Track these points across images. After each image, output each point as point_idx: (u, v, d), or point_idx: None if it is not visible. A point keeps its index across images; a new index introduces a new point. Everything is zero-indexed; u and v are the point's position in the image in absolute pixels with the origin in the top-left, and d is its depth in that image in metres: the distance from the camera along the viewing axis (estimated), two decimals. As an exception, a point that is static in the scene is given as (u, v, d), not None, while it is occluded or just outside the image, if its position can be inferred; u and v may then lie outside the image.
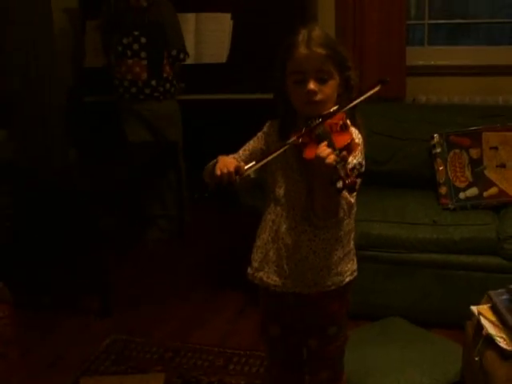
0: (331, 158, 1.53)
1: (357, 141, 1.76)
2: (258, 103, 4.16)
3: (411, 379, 2.41)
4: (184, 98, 4.35)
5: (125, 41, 3.92)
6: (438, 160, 3.12)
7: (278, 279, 1.85)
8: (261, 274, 1.87)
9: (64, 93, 4.61)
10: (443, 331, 2.85)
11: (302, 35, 1.72)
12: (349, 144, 1.62)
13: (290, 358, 2.06)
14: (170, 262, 3.93)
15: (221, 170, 1.66)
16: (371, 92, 1.77)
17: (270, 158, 1.72)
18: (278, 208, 1.83)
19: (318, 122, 1.71)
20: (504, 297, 1.99)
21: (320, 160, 1.55)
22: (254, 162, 1.71)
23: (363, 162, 1.75)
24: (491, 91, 4.08)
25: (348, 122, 1.76)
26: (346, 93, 1.79)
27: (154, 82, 3.97)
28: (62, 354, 2.91)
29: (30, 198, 3.46)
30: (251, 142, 1.92)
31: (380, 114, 3.50)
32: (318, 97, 1.71)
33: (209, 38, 4.49)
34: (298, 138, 1.69)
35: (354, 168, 1.55)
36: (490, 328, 1.93)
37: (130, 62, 3.95)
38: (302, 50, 1.70)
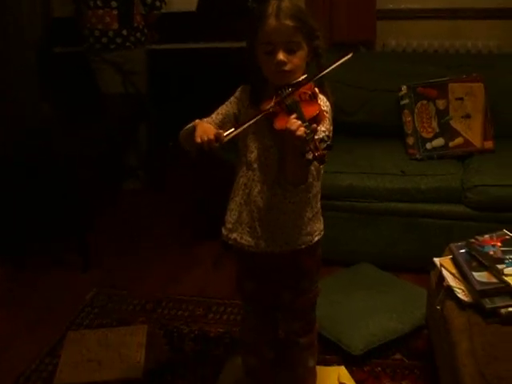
0: (301, 131, 1.60)
1: (325, 108, 1.84)
2: (229, 52, 4.21)
3: (379, 324, 2.54)
4: (157, 47, 4.36)
5: None
6: (406, 111, 3.21)
7: (251, 240, 1.95)
8: (234, 234, 1.97)
9: (33, 44, 4.56)
10: (411, 276, 2.99)
11: (272, 6, 1.76)
12: (317, 115, 1.70)
13: (265, 311, 2.18)
14: (147, 214, 4.02)
15: (201, 138, 1.72)
16: (340, 62, 1.85)
17: (246, 125, 1.78)
18: (250, 172, 1.91)
19: (287, 91, 1.78)
20: (463, 250, 2.10)
21: (290, 132, 1.62)
22: (232, 129, 1.76)
23: (331, 132, 1.84)
24: (460, 35, 4.14)
25: (316, 90, 1.83)
26: (315, 60, 1.86)
27: (124, 32, 3.98)
28: (48, 310, 2.99)
29: (7, 159, 3.46)
30: (224, 106, 1.98)
31: (349, 63, 3.53)
32: (287, 67, 1.77)
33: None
34: (269, 108, 1.76)
35: (322, 140, 1.62)
36: (451, 280, 2.06)
37: (101, 11, 3.94)
38: (272, 21, 1.75)
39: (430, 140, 3.13)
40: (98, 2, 3.91)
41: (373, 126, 3.41)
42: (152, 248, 3.57)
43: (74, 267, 3.36)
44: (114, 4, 3.92)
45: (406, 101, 3.20)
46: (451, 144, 3.13)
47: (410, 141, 3.15)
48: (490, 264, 1.96)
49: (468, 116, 3.13)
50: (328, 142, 1.61)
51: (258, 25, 1.78)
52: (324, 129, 1.79)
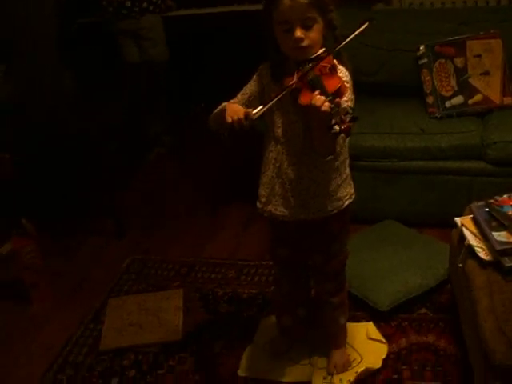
0: (326, 106, 1.68)
1: (345, 79, 1.91)
2: (246, 14, 4.24)
3: (404, 280, 2.65)
4: (175, 14, 4.42)
5: None
6: (424, 70, 3.25)
7: (285, 210, 2.05)
8: (269, 207, 2.08)
9: (56, 15, 4.62)
10: (434, 231, 3.09)
11: None
12: (339, 88, 1.78)
13: (297, 274, 2.32)
14: (175, 178, 4.15)
15: (231, 118, 1.81)
16: (357, 32, 1.91)
17: (272, 102, 1.85)
18: (279, 146, 2.00)
19: (308, 67, 1.85)
20: (483, 210, 2.19)
21: (315, 108, 1.70)
22: (261, 107, 1.84)
23: (353, 102, 1.91)
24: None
25: (335, 61, 1.91)
26: (330, 32, 1.92)
27: (128, 3, 4.05)
28: (86, 277, 3.16)
29: (35, 135, 3.58)
30: (248, 85, 2.06)
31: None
32: (305, 42, 1.84)
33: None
34: (292, 84, 1.83)
35: (347, 113, 1.69)
36: (472, 239, 2.15)
37: None
38: (286, 1, 1.81)
39: (450, 98, 3.18)
40: None
41: (393, 86, 3.46)
42: (181, 212, 3.70)
43: (108, 235, 3.50)
44: None
45: (424, 60, 3.24)
46: (470, 101, 3.17)
47: (430, 100, 3.20)
48: (508, 224, 2.05)
49: (487, 73, 3.17)
50: (353, 114, 1.68)
51: (272, 5, 1.84)
52: (346, 99, 1.85)
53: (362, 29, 1.92)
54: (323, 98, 1.71)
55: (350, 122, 1.67)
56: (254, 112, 1.83)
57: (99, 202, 3.65)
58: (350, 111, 1.70)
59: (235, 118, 1.81)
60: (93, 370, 2.51)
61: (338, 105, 1.70)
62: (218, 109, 1.97)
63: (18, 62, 4.01)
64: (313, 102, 1.71)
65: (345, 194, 2.08)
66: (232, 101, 2.02)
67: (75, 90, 4.41)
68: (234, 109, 1.87)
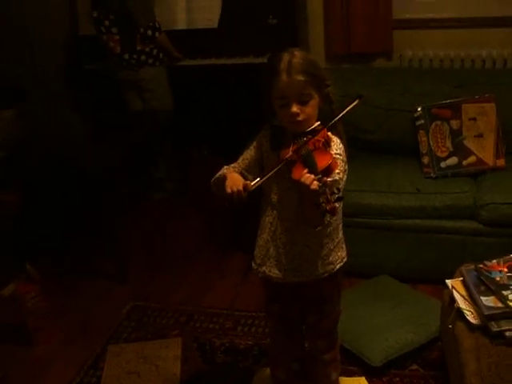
0: (314, 185, 1.78)
1: (338, 152, 2.01)
2: (250, 68, 4.39)
3: (397, 336, 2.73)
4: (182, 64, 4.57)
5: (96, 15, 4.17)
6: (421, 131, 3.38)
7: (278, 272, 2.15)
8: (263, 268, 2.17)
9: (63, 62, 4.78)
10: (427, 286, 3.18)
11: (283, 63, 1.92)
12: (330, 165, 1.88)
13: (291, 330, 2.39)
14: (176, 224, 4.24)
15: (231, 188, 1.91)
16: (349, 108, 2.02)
17: (269, 174, 1.95)
18: (275, 211, 2.10)
19: (303, 141, 1.95)
20: (473, 274, 2.28)
21: (304, 186, 1.80)
22: (258, 179, 1.94)
23: (344, 177, 2.01)
24: (475, 44, 4.28)
25: (329, 134, 2.02)
26: (327, 105, 2.04)
27: (126, 56, 4.23)
28: (88, 320, 3.24)
29: (43, 176, 3.69)
30: (248, 150, 2.16)
31: (367, 80, 3.72)
32: (301, 117, 1.95)
33: (200, 3, 4.66)
34: (288, 157, 1.93)
35: (333, 192, 1.78)
36: (461, 302, 2.24)
37: (105, 37, 4.22)
38: (284, 77, 1.92)
39: (445, 159, 3.29)
40: (102, 29, 4.20)
41: (390, 144, 3.58)
42: (183, 258, 3.79)
43: (110, 278, 3.59)
44: (114, 30, 4.19)
45: (421, 121, 3.37)
46: (465, 162, 3.29)
47: (425, 160, 3.32)
48: (496, 289, 2.14)
49: (481, 135, 3.29)
50: (339, 194, 1.77)
51: (271, 80, 1.95)
52: (338, 171, 1.95)
53: (353, 105, 2.03)
54: (312, 176, 1.80)
55: (335, 201, 1.76)
56: (252, 184, 1.93)
57: (103, 245, 3.73)
58: (336, 191, 1.79)
59: (235, 189, 1.90)
60: (91, 417, 2.58)
61: (326, 184, 1.79)
62: (219, 173, 2.07)
63: (28, 106, 4.16)
64: (302, 179, 1.81)
65: (336, 258, 2.17)
66: (233, 165, 2.12)
67: (82, 132, 4.56)
68: (233, 180, 1.96)
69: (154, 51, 4.27)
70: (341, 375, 2.52)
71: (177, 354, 2.88)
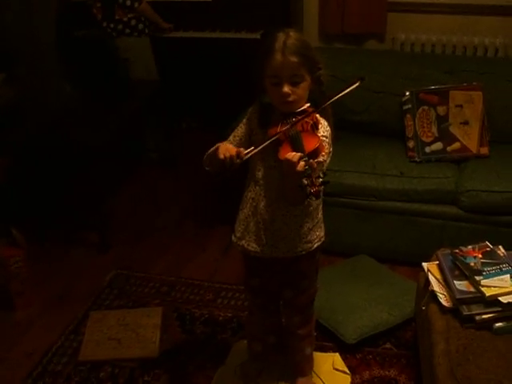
0: (301, 166, 1.81)
1: (325, 134, 2.05)
2: (243, 42, 4.41)
3: (372, 315, 2.80)
4: (172, 36, 4.58)
5: None
6: (408, 115, 3.42)
7: (257, 247, 2.20)
8: (243, 242, 2.22)
9: (54, 27, 4.74)
10: (405, 269, 3.25)
11: (278, 43, 1.95)
12: (317, 148, 1.92)
13: (269, 303, 2.45)
14: (162, 196, 4.27)
15: (224, 154, 1.93)
16: (347, 91, 2.05)
17: (263, 145, 1.97)
18: (257, 188, 2.15)
19: (292, 121, 1.98)
20: (448, 258, 2.34)
21: (291, 165, 1.83)
22: (252, 148, 1.97)
23: (328, 160, 2.05)
24: (468, 31, 4.32)
25: (317, 116, 2.05)
26: (317, 88, 2.07)
27: (104, 24, 4.28)
28: (70, 287, 3.28)
29: (33, 143, 3.70)
30: (238, 128, 2.19)
31: (358, 64, 3.75)
32: (291, 98, 1.98)
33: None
34: (277, 135, 1.97)
35: (318, 176, 1.81)
36: (435, 285, 2.30)
37: (90, 2, 4.27)
38: (278, 57, 1.94)
39: (429, 144, 3.34)
40: None
41: (377, 127, 3.63)
42: (166, 229, 3.83)
43: (93, 247, 3.63)
44: None
45: (408, 106, 3.41)
46: (449, 148, 3.34)
47: (411, 144, 3.37)
48: (469, 274, 2.20)
49: (466, 122, 3.33)
50: (324, 178, 1.80)
51: (265, 59, 1.98)
52: (323, 153, 1.99)
53: (353, 87, 2.06)
54: (299, 155, 1.83)
55: (320, 185, 1.78)
56: (245, 152, 1.96)
57: (87, 214, 3.77)
58: (322, 175, 1.81)
59: (227, 155, 1.93)
60: (70, 380, 2.64)
61: (312, 167, 1.82)
62: (212, 149, 2.10)
63: (19, 71, 4.14)
64: (288, 160, 1.84)
65: (314, 237, 2.22)
66: (225, 142, 2.15)
67: (71, 100, 4.55)
68: (226, 147, 1.99)
69: (133, 21, 4.28)
70: (315, 351, 2.60)
71: (157, 323, 2.93)
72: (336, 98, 2.03)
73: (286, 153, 1.89)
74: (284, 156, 1.88)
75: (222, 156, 1.94)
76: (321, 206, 2.24)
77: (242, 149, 1.97)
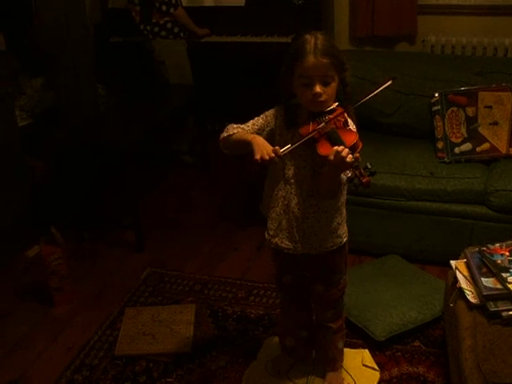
0: (350, 158, 1.87)
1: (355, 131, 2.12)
2: (275, 46, 4.48)
3: (402, 313, 2.84)
4: (205, 40, 4.68)
5: None
6: (437, 117, 3.45)
7: (289, 244, 2.27)
8: (276, 239, 2.29)
9: (92, 33, 4.89)
10: (435, 268, 3.28)
11: (309, 45, 2.01)
12: (356, 142, 1.97)
13: (300, 299, 2.52)
14: (194, 197, 4.37)
15: (262, 155, 1.96)
16: (380, 89, 2.11)
17: (299, 143, 2.02)
18: (288, 186, 2.21)
19: (325, 119, 2.05)
20: (476, 256, 2.38)
21: (339, 157, 1.87)
22: (289, 145, 2.01)
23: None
24: (499, 33, 4.34)
25: (346, 116, 2.12)
26: (343, 89, 2.12)
27: (142, 26, 4.41)
28: (106, 285, 3.39)
29: (71, 145, 3.82)
30: (260, 118, 2.23)
31: (388, 66, 3.79)
32: (323, 97, 2.05)
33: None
34: (314, 133, 2.02)
35: (366, 167, 1.89)
36: (463, 282, 2.34)
37: (130, 6, 4.42)
38: (310, 58, 2.00)
39: (459, 145, 3.36)
40: None
41: (406, 128, 3.66)
42: (200, 229, 3.92)
43: (129, 247, 3.73)
44: (136, 1, 4.38)
45: (437, 107, 3.44)
46: (478, 149, 3.36)
47: (440, 145, 3.40)
48: (496, 272, 2.24)
49: (495, 123, 3.35)
50: (371, 169, 1.88)
51: (295, 60, 2.04)
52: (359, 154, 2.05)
53: (385, 86, 2.12)
54: (347, 149, 1.89)
55: (369, 175, 1.87)
56: (282, 150, 2.00)
57: (123, 214, 3.87)
58: (370, 166, 1.89)
59: (266, 157, 1.96)
60: (107, 373, 2.73)
61: (357, 159, 1.89)
62: (229, 132, 2.15)
63: (57, 75, 4.27)
64: (339, 151, 1.87)
65: (343, 231, 2.29)
66: (242, 126, 2.18)
67: (108, 103, 4.68)
68: (262, 145, 2.01)
69: (169, 25, 4.39)
70: (345, 347, 2.65)
71: (190, 320, 3.01)
72: (370, 96, 2.09)
73: (326, 149, 1.95)
74: (326, 152, 1.93)
75: (258, 156, 1.97)
76: (345, 203, 2.30)
77: (277, 147, 1.99)
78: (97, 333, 2.98)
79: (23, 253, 3.65)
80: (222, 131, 2.22)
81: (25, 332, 3.03)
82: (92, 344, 2.91)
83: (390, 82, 2.11)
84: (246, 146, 2.05)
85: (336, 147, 1.89)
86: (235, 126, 2.19)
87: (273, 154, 1.96)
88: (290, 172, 2.18)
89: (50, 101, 4.16)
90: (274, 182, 2.25)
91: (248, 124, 2.21)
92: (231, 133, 2.16)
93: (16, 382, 2.70)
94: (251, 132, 2.17)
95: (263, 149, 1.99)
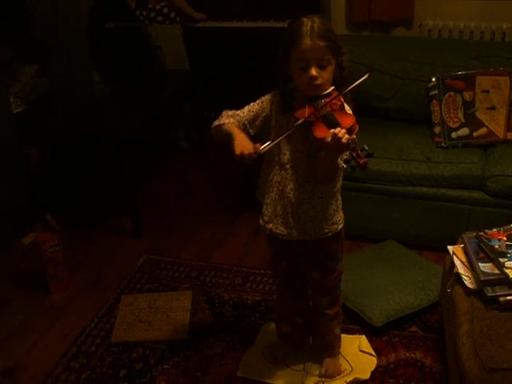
0: (346, 138, 1.85)
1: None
2: (271, 31, 4.44)
3: (399, 298, 2.83)
4: (201, 25, 4.64)
5: None
6: (434, 101, 3.43)
7: (284, 229, 2.25)
8: (270, 225, 2.27)
9: (86, 19, 4.84)
10: (432, 253, 3.27)
11: (306, 27, 1.99)
12: (353, 125, 1.95)
13: (297, 286, 2.51)
14: (192, 182, 4.36)
15: (241, 152, 1.97)
16: (356, 83, 2.08)
17: (280, 138, 2.04)
18: (283, 171, 2.19)
19: (321, 102, 2.03)
20: (473, 241, 2.37)
21: (336, 139, 1.86)
22: (269, 142, 2.02)
23: None
24: (496, 17, 4.30)
25: (342, 99, 2.10)
26: (339, 73, 2.10)
27: (138, 12, 4.38)
28: (103, 272, 3.37)
29: (65, 133, 3.79)
30: (255, 104, 2.21)
31: (385, 51, 3.77)
32: (319, 81, 2.02)
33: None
34: (307, 117, 2.00)
35: (363, 149, 1.87)
36: (460, 267, 2.33)
37: None
38: (307, 41, 1.98)
39: (456, 129, 3.34)
40: None
41: (404, 113, 3.64)
42: (197, 216, 3.91)
43: (126, 233, 3.72)
44: None
45: (434, 91, 3.41)
46: (475, 134, 3.34)
47: (437, 129, 3.38)
48: (494, 257, 2.23)
49: (493, 108, 3.33)
50: (368, 151, 1.87)
51: (292, 42, 2.01)
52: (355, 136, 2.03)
53: (362, 79, 2.09)
54: (343, 131, 1.87)
55: (366, 157, 1.86)
56: (262, 147, 2.00)
57: (120, 201, 3.85)
58: (367, 148, 1.88)
59: (246, 153, 1.97)
60: (104, 360, 2.72)
61: (354, 140, 1.88)
62: (220, 121, 2.15)
63: (51, 62, 4.23)
64: (337, 133, 1.85)
65: (339, 218, 2.28)
66: (238, 112, 2.18)
67: (104, 89, 4.64)
68: (242, 143, 2.02)
69: (165, 10, 4.38)
70: (342, 333, 2.64)
71: (187, 306, 3.00)
72: (347, 90, 2.06)
73: (323, 131, 1.93)
74: (323, 134, 1.92)
75: (238, 152, 1.97)
76: (340, 190, 2.28)
77: (258, 145, 1.99)
78: (93, 320, 2.97)
79: (19, 240, 3.63)
80: (217, 117, 2.21)
81: (21, 320, 3.02)
82: (88, 331, 2.90)
83: (366, 76, 2.08)
84: (230, 142, 2.04)
85: (333, 130, 1.88)
86: (230, 112, 2.18)
87: (252, 151, 1.96)
88: (286, 157, 2.17)
89: (45, 88, 4.11)
90: (270, 167, 2.23)
91: (244, 110, 2.20)
92: (222, 122, 2.16)
93: (12, 369, 2.69)
94: (246, 118, 2.17)
95: (243, 146, 1.99)
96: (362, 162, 1.85)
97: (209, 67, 4.81)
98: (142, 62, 4.69)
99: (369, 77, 2.05)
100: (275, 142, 2.03)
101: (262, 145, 2.00)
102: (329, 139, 1.88)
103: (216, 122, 2.18)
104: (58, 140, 3.90)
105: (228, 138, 2.09)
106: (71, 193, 3.91)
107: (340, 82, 2.09)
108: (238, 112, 2.19)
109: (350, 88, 2.05)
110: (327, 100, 2.03)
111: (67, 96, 4.27)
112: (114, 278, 3.31)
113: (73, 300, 3.15)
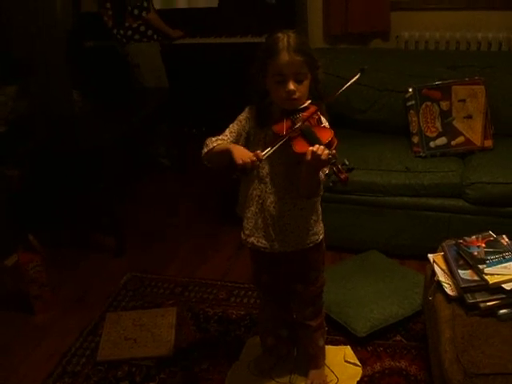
0: (325, 155, 1.87)
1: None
2: (249, 47, 4.46)
3: (382, 308, 2.85)
4: (179, 42, 4.67)
5: None
6: (412, 112, 3.47)
7: (266, 242, 2.26)
8: (252, 239, 2.29)
9: (65, 38, 4.85)
10: (414, 262, 3.31)
11: (282, 43, 2.02)
12: (332, 139, 1.97)
13: (279, 298, 2.53)
14: (172, 200, 4.36)
15: (243, 160, 1.97)
16: (351, 81, 2.12)
17: (278, 145, 2.01)
18: (262, 185, 2.20)
19: (300, 117, 2.04)
20: (453, 249, 2.40)
21: (315, 156, 1.87)
22: (269, 148, 2.00)
23: None
24: (471, 27, 4.37)
25: (319, 113, 2.12)
26: (314, 86, 2.12)
27: (115, 31, 4.40)
28: (87, 290, 3.36)
29: (45, 151, 3.79)
30: (234, 125, 2.22)
31: (362, 63, 3.72)
32: (297, 95, 2.05)
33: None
34: (288, 132, 2.02)
35: (344, 163, 1.90)
36: (441, 275, 2.36)
37: (102, 10, 4.41)
38: (284, 56, 2.01)
39: (434, 139, 3.38)
40: (101, 3, 4.40)
41: (382, 124, 3.68)
42: (179, 232, 3.91)
43: (108, 252, 3.71)
44: (108, 5, 4.38)
45: (411, 102, 3.46)
46: (453, 143, 3.38)
47: (415, 139, 3.42)
48: (473, 263, 2.26)
49: (469, 116, 3.38)
50: (349, 166, 1.89)
51: (268, 57, 2.04)
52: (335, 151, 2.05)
53: (355, 78, 2.14)
54: (323, 147, 1.89)
55: (347, 171, 1.88)
56: (264, 153, 1.99)
57: (101, 219, 3.84)
58: (347, 162, 1.90)
59: (248, 160, 1.96)
60: (89, 380, 2.71)
61: (335, 155, 1.89)
62: (209, 147, 2.14)
63: (30, 83, 4.23)
64: (314, 149, 1.88)
65: (319, 228, 2.30)
66: (221, 137, 2.18)
67: (83, 108, 4.65)
68: (242, 152, 2.03)
69: (142, 28, 4.39)
70: (327, 344, 2.67)
71: (172, 323, 3.00)
72: (343, 89, 2.10)
73: (302, 146, 1.95)
74: (302, 149, 1.93)
75: (240, 161, 1.97)
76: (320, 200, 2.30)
77: (258, 152, 1.99)
78: (78, 339, 2.96)
79: (2, 262, 3.61)
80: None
81: (5, 341, 3.00)
82: (74, 351, 2.89)
83: (359, 75, 2.11)
84: (228, 156, 2.04)
85: (311, 147, 1.89)
86: (213, 139, 2.18)
87: (254, 158, 1.96)
88: (265, 170, 2.19)
89: (25, 108, 4.10)
90: (249, 182, 2.24)
91: (226, 133, 2.21)
92: (211, 146, 2.15)
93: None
94: (231, 140, 2.17)
95: (244, 155, 1.99)
96: (343, 176, 1.88)
97: (188, 83, 4.84)
98: (120, 81, 4.70)
99: (361, 75, 2.07)
100: (274, 148, 2.02)
101: (262, 152, 1.99)
102: (309, 157, 1.90)
103: (205, 150, 2.17)
104: (38, 160, 3.89)
105: (224, 156, 2.07)
106: (53, 212, 3.91)
107: (315, 95, 2.11)
108: (221, 136, 2.19)
109: (343, 88, 2.09)
110: (306, 114, 2.06)
111: (47, 115, 4.26)
112: (99, 296, 3.30)
113: (57, 320, 3.14)
